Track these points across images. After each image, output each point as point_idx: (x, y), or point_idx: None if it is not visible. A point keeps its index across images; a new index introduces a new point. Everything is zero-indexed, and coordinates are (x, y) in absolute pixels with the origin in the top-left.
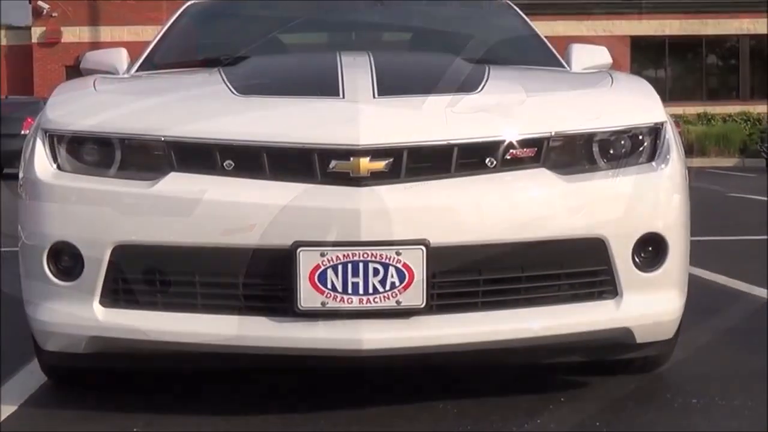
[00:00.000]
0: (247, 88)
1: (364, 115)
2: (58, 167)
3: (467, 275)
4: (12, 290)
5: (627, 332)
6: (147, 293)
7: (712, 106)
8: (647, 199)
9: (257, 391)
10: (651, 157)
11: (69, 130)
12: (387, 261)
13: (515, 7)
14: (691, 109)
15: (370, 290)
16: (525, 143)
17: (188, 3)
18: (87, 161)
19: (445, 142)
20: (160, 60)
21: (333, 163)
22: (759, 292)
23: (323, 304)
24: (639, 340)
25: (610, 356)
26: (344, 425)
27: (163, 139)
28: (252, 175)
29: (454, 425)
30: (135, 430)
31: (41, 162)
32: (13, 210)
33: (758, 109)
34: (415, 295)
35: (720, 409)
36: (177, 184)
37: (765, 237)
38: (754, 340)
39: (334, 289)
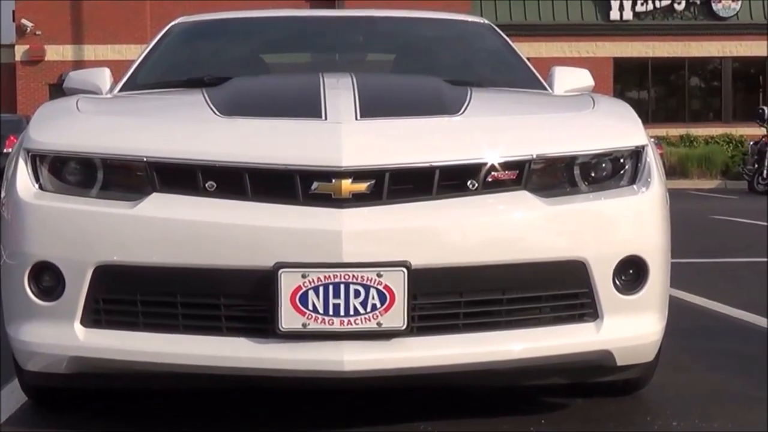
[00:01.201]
0: (229, 109)
1: (346, 137)
2: (40, 187)
3: (448, 297)
4: None
5: (607, 355)
6: (128, 314)
7: (695, 128)
8: (628, 222)
9: (238, 413)
10: (632, 180)
11: (51, 150)
12: (368, 283)
13: (497, 28)
14: (674, 131)
15: (351, 312)
16: (506, 166)
17: (172, 23)
18: (69, 181)
19: (426, 165)
20: (144, 80)
21: (315, 185)
22: (738, 314)
23: (304, 325)
24: (619, 362)
25: (591, 378)
26: None
27: (145, 159)
28: (234, 196)
29: None
30: None
31: (23, 181)
32: None
33: (740, 131)
34: (396, 317)
35: None
36: (159, 204)
37: (747, 259)
38: (733, 362)
39: (315, 310)
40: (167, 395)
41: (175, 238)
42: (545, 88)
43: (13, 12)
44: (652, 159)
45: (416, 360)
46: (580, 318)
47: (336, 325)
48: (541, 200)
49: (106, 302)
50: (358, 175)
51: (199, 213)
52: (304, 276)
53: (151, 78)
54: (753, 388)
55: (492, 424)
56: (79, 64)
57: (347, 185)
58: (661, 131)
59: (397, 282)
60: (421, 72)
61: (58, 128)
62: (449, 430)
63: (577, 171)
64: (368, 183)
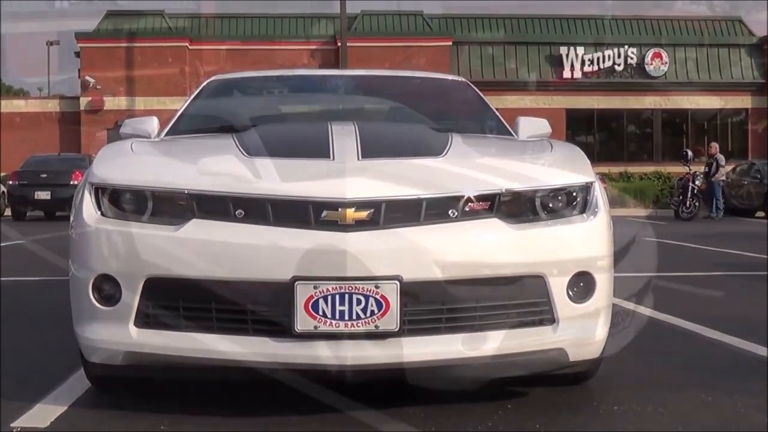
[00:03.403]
0: (255, 150)
1: (350, 174)
2: (102, 214)
3: (433, 305)
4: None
5: (562, 352)
6: (172, 317)
7: (631, 167)
8: (579, 244)
9: (262, 398)
10: (582, 210)
11: (111, 184)
12: (368, 293)
13: (472, 84)
14: (615, 169)
15: (354, 317)
16: (480, 198)
17: (207, 80)
18: (125, 209)
19: (416, 197)
20: (185, 127)
21: (324, 213)
22: (664, 318)
23: (316, 327)
24: (572, 358)
25: (548, 371)
26: (333, 425)
27: (186, 192)
28: (259, 222)
29: (421, 426)
30: (162, 427)
31: (88, 209)
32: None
33: (668, 169)
34: (391, 321)
35: (636, 414)
36: (198, 228)
37: (673, 274)
38: (661, 358)
39: (324, 315)
40: (203, 384)
41: (210, 255)
42: (511, 134)
43: (79, 71)
44: (599, 192)
45: (406, 356)
46: (539, 322)
47: (341, 327)
48: (509, 226)
49: (155, 307)
50: (359, 205)
51: (230, 235)
52: (315, 287)
53: (190, 125)
54: (677, 378)
55: (468, 407)
56: (131, 113)
57: (351, 213)
58: (605, 169)
59: (392, 292)
60: (410, 120)
61: (116, 166)
62: (432, 412)
63: (538, 202)
64: (368, 212)
